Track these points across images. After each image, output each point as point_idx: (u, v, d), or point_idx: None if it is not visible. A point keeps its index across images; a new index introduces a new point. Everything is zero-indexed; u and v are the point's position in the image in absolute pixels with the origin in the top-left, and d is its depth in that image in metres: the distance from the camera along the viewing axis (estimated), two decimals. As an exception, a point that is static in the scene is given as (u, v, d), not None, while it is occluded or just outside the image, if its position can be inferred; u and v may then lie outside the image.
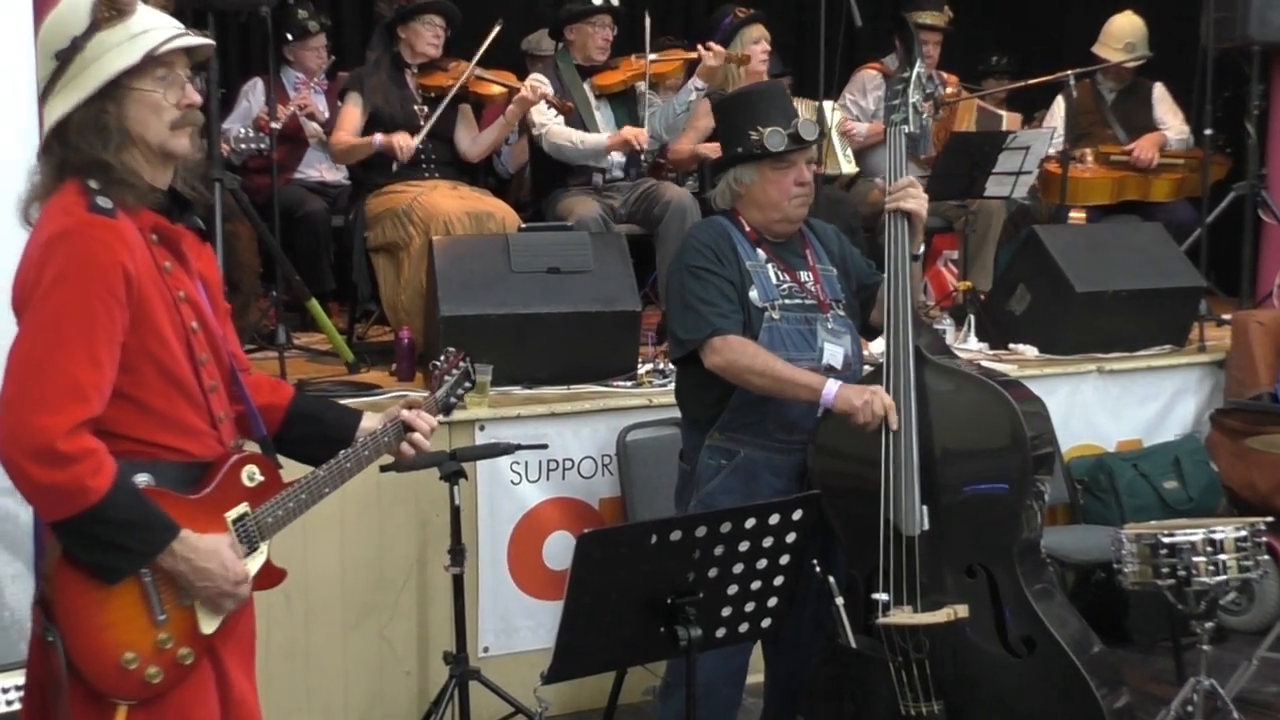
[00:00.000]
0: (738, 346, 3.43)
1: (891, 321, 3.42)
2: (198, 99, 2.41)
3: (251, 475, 2.49)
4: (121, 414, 2.31)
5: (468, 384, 2.90)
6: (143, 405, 2.34)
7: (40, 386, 2.20)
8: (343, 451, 2.62)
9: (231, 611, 2.44)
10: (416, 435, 2.71)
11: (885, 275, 3.47)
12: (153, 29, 2.35)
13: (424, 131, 5.36)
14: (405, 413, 2.71)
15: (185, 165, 2.46)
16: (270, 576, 2.55)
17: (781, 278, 3.56)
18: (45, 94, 2.35)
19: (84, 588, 2.29)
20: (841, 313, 3.61)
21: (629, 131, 5.58)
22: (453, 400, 2.87)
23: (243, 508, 2.47)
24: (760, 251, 3.57)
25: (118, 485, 2.25)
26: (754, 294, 3.50)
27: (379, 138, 5.31)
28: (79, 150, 2.31)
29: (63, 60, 2.32)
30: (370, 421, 2.72)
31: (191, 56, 2.43)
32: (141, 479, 2.34)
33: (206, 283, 2.51)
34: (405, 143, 5.28)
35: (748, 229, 3.60)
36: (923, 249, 3.57)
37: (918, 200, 3.48)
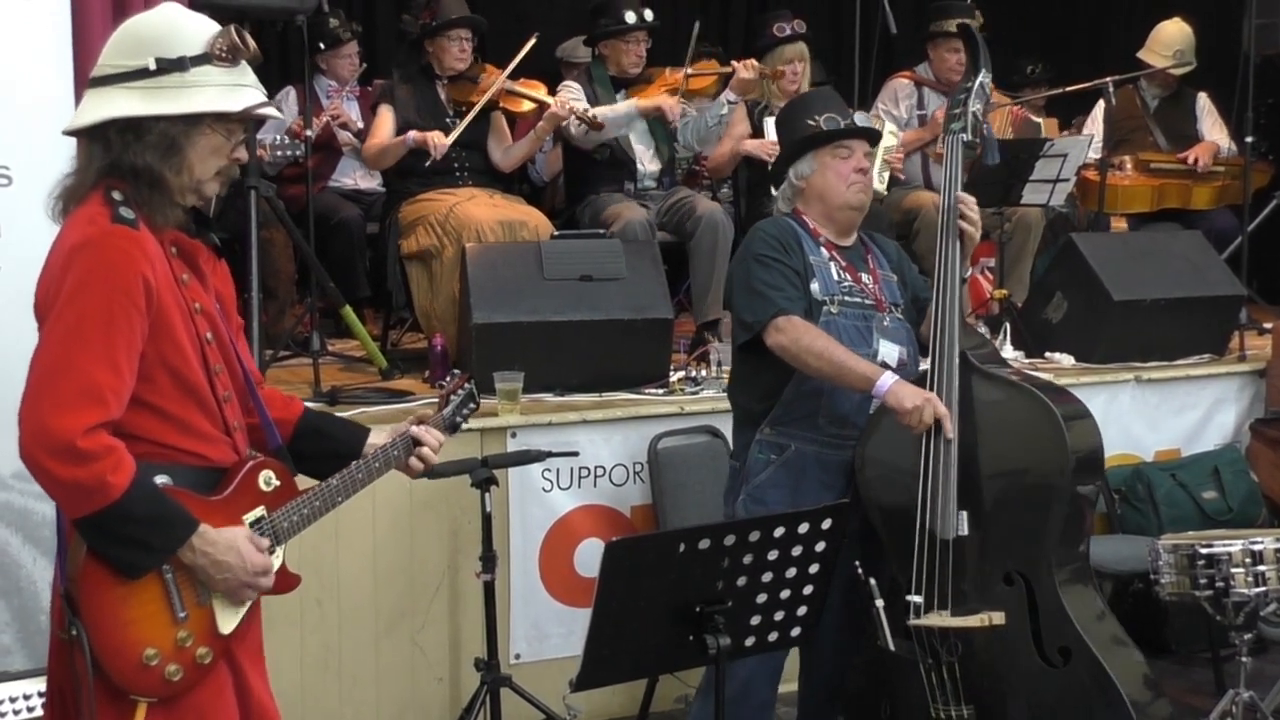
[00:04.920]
0: (801, 327, 3.45)
1: (938, 334, 3.44)
2: (244, 157, 2.51)
3: (268, 480, 2.54)
4: (139, 419, 2.36)
5: (472, 405, 2.93)
6: (159, 411, 2.39)
7: (60, 388, 2.26)
8: (354, 463, 2.66)
9: (249, 608, 2.50)
10: (425, 450, 2.75)
11: (934, 291, 3.49)
12: (253, 87, 2.45)
13: (456, 132, 5.38)
14: (415, 429, 2.75)
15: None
16: (285, 582, 2.58)
17: (843, 275, 3.60)
18: (113, 80, 2.38)
19: (108, 584, 2.33)
20: (899, 316, 3.65)
21: (663, 99, 5.58)
22: (459, 420, 2.90)
23: (260, 510, 2.52)
24: (824, 250, 3.61)
25: (137, 482, 2.30)
26: (815, 286, 3.53)
27: (412, 134, 5.34)
28: (141, 155, 2.36)
29: (161, 68, 2.36)
30: (378, 437, 2.76)
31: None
32: (160, 479, 2.38)
33: (221, 298, 2.58)
34: (440, 140, 5.30)
35: (812, 227, 3.63)
36: (970, 271, 3.57)
37: (975, 223, 3.54)
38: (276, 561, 2.54)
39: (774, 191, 3.81)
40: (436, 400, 2.91)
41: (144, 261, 2.32)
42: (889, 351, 3.56)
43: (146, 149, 2.36)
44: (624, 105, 5.62)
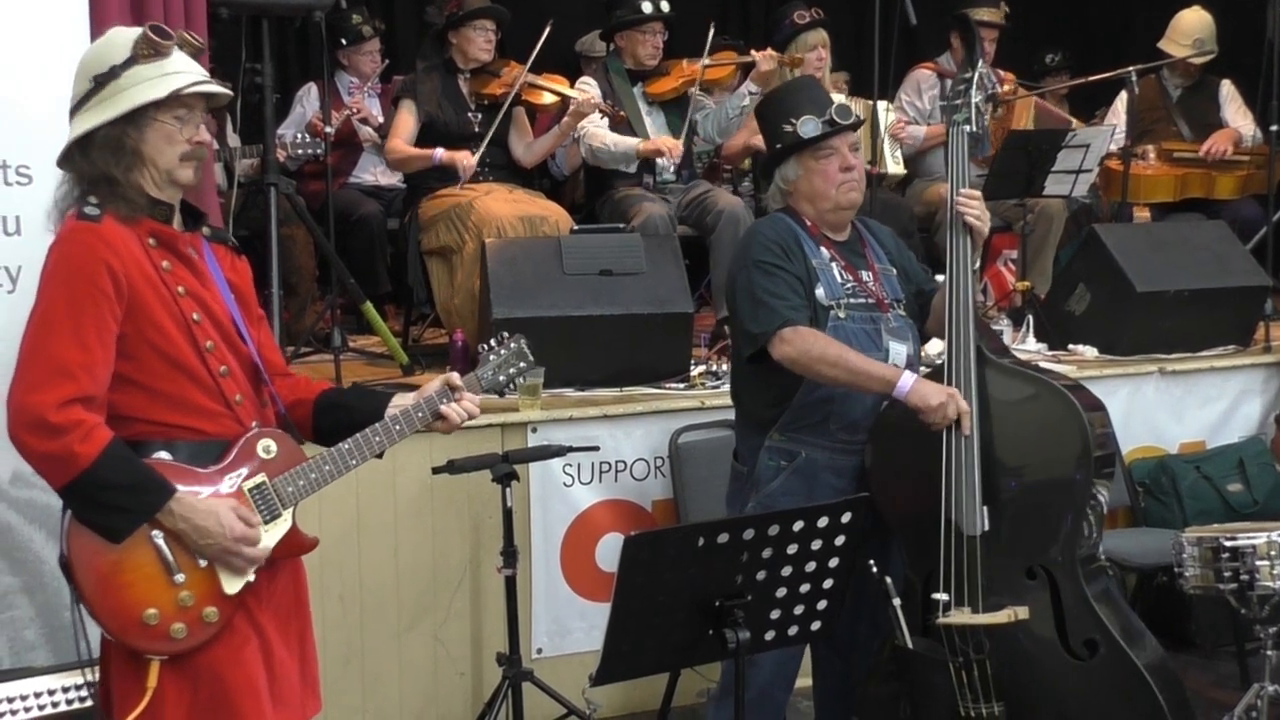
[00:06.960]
0: (809, 337, 3.39)
1: (953, 328, 3.39)
2: (207, 138, 2.68)
3: (267, 448, 2.67)
4: (133, 399, 2.56)
5: (522, 363, 2.90)
6: (150, 390, 2.58)
7: (33, 370, 2.48)
8: (373, 426, 2.74)
9: (255, 573, 2.60)
10: (450, 409, 2.78)
11: (946, 284, 3.43)
12: (183, 72, 2.63)
13: (483, 147, 5.39)
14: (433, 391, 2.78)
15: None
16: (298, 544, 2.70)
17: (845, 276, 3.53)
18: (75, 109, 2.64)
19: (98, 550, 2.51)
20: (902, 313, 3.59)
21: (662, 141, 5.57)
22: (502, 379, 2.89)
23: (260, 478, 2.64)
24: (824, 249, 3.54)
25: (108, 452, 2.47)
26: (820, 291, 3.47)
27: (440, 153, 5.33)
28: (94, 164, 2.58)
29: (99, 83, 2.60)
30: (404, 400, 2.82)
31: (210, 102, 2.71)
32: (161, 455, 2.57)
33: (236, 288, 2.77)
34: (468, 161, 5.31)
35: (809, 224, 3.56)
36: (980, 264, 3.53)
37: (981, 217, 3.45)
38: (285, 525, 2.65)
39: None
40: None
41: (105, 250, 2.52)
42: (898, 351, 3.50)
43: (98, 156, 2.57)
44: (624, 144, 5.60)
